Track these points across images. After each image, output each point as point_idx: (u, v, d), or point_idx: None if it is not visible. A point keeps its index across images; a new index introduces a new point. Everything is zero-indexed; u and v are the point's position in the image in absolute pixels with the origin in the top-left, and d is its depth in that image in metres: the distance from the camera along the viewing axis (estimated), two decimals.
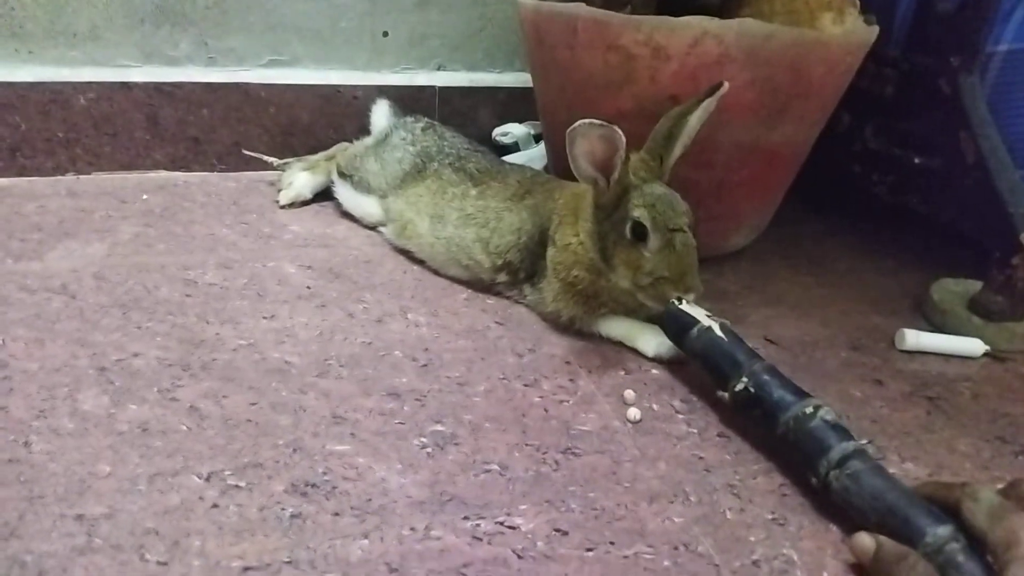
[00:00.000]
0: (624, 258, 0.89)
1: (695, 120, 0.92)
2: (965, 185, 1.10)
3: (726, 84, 0.91)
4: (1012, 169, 1.07)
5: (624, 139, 0.84)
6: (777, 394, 0.76)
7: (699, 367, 0.86)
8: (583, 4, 1.00)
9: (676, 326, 0.88)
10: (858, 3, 1.10)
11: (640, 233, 0.88)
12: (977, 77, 1.12)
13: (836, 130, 1.24)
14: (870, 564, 0.63)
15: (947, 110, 1.12)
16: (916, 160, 1.18)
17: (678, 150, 0.93)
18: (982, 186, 1.07)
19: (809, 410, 0.74)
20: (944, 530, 0.62)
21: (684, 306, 0.87)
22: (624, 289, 0.92)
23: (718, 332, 0.84)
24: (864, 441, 0.73)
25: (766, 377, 0.78)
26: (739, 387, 0.79)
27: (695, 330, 0.85)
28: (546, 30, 1.08)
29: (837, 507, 0.70)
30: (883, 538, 0.63)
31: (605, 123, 0.83)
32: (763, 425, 0.78)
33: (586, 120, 0.83)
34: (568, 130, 0.84)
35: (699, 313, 0.86)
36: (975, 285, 1.09)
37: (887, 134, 1.23)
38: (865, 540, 0.64)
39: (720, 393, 0.82)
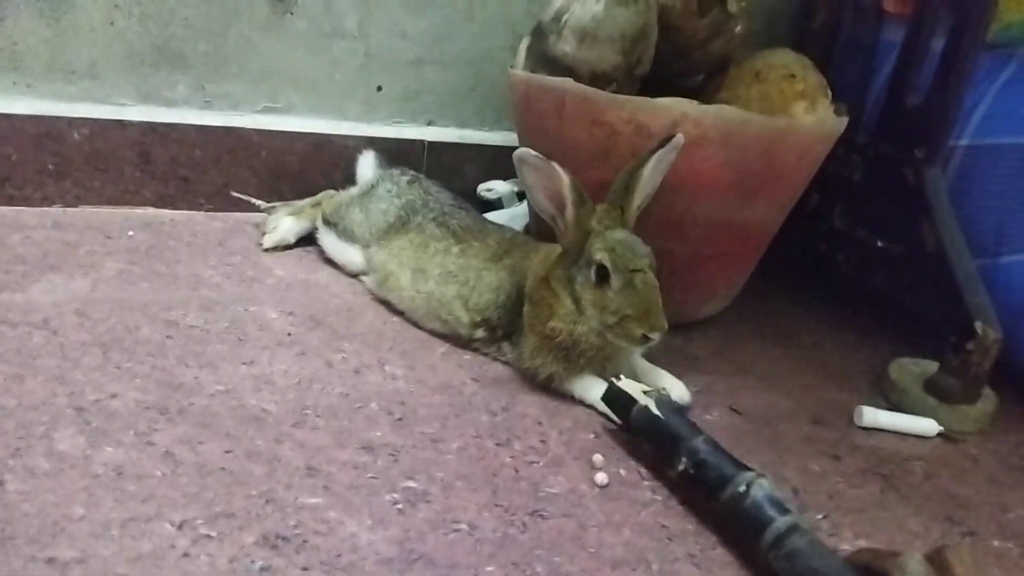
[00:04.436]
0: (591, 299, 0.95)
1: (649, 171, 0.97)
2: (925, 270, 1.16)
3: (680, 136, 0.97)
4: (969, 259, 1.13)
5: (564, 176, 0.94)
6: (714, 473, 0.79)
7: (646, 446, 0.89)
8: (571, 80, 1.05)
9: (617, 407, 0.91)
10: (830, 93, 1.16)
11: (603, 275, 0.94)
12: (940, 169, 1.18)
13: (805, 209, 1.29)
14: None
15: (911, 198, 1.18)
16: (880, 243, 1.23)
17: (637, 199, 0.99)
18: (941, 273, 1.12)
19: (742, 488, 0.76)
20: None
21: (622, 384, 0.91)
22: (596, 333, 0.96)
23: (655, 411, 0.86)
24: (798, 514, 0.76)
25: (703, 456, 0.80)
26: (680, 467, 0.82)
27: (634, 410, 0.88)
28: (536, 100, 1.13)
29: None
30: None
31: (540, 157, 0.92)
32: (708, 503, 0.80)
33: (525, 150, 0.93)
34: (514, 155, 0.93)
35: (636, 391, 0.89)
36: (932, 366, 1.13)
37: (853, 216, 1.29)
38: None
39: (668, 472, 0.84)
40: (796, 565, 0.70)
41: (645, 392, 0.89)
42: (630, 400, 0.89)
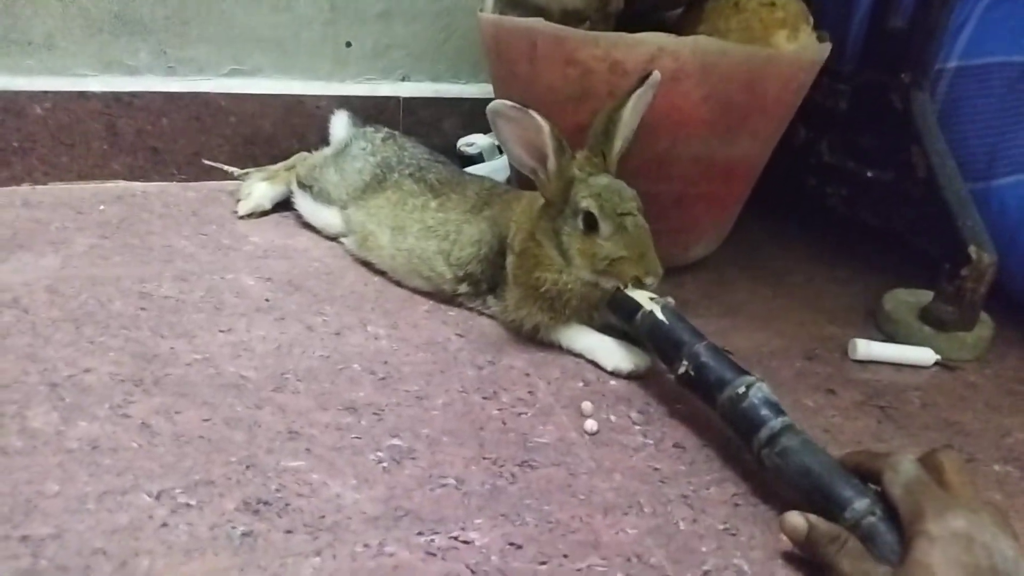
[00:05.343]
0: (580, 249, 0.92)
1: (629, 112, 0.94)
2: (916, 198, 1.13)
3: (657, 73, 0.93)
4: (961, 183, 1.10)
5: (543, 124, 0.88)
6: (714, 376, 0.80)
7: (650, 349, 0.90)
8: (542, 20, 1.01)
9: (623, 312, 0.91)
10: (811, 20, 1.12)
11: (591, 222, 0.91)
12: (927, 93, 1.15)
13: (792, 143, 1.26)
14: (803, 543, 0.65)
15: (899, 125, 1.14)
16: (869, 173, 1.20)
17: (618, 143, 0.95)
18: (932, 199, 1.10)
19: (741, 390, 0.77)
20: (862, 504, 0.65)
21: (629, 291, 0.90)
22: (585, 282, 0.93)
23: (660, 316, 0.86)
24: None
25: (704, 359, 0.81)
26: (681, 370, 0.82)
27: (639, 315, 0.88)
28: (507, 44, 1.09)
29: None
30: (814, 518, 0.65)
31: (516, 106, 0.87)
32: (706, 404, 0.81)
33: (499, 101, 0.87)
34: (487, 109, 0.87)
35: (642, 297, 0.89)
36: (926, 295, 1.11)
37: (841, 148, 1.26)
38: (797, 520, 0.66)
39: (669, 375, 0.85)
40: (788, 462, 0.71)
41: (651, 299, 0.88)
42: (635, 305, 0.88)
